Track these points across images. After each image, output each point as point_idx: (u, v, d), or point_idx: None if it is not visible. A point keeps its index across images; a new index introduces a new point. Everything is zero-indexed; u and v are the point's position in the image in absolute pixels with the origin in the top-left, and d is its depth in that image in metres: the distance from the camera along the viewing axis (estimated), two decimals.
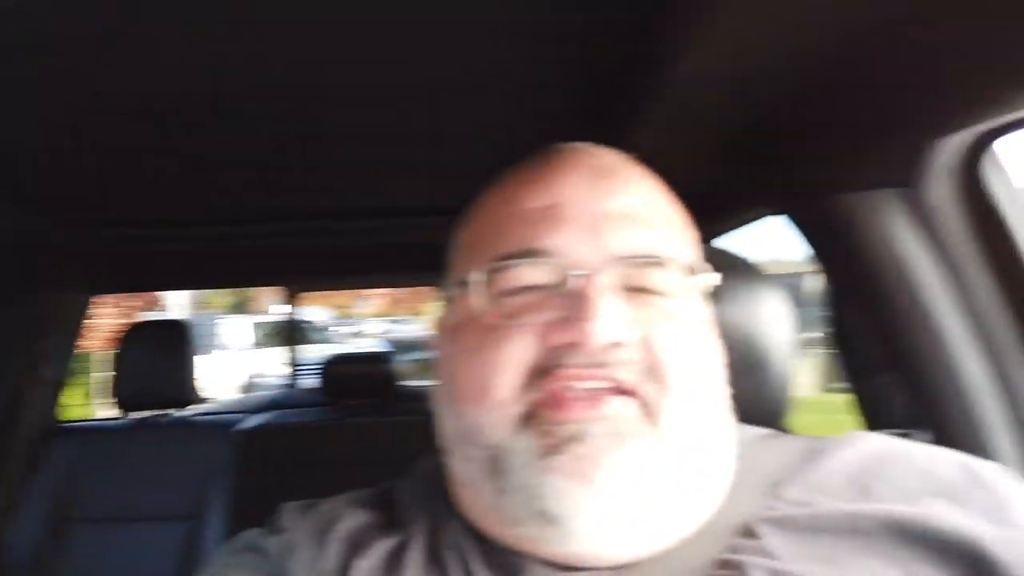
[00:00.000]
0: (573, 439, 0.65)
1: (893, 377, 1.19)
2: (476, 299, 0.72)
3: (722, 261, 1.02)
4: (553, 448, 0.65)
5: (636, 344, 0.68)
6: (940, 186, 1.11)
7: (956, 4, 0.79)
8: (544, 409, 0.67)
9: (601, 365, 0.66)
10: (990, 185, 1.08)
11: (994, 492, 0.70)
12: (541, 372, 0.68)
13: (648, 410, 0.67)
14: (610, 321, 0.66)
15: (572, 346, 0.67)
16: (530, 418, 0.67)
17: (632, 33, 1.03)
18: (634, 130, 1.27)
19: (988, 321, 1.09)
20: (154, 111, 1.32)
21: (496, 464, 0.68)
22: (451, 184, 1.60)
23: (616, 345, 0.67)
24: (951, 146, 1.06)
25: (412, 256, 2.82)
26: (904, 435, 1.12)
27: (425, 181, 2.01)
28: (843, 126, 1.12)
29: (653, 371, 0.68)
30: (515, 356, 0.68)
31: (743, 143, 1.34)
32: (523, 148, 0.84)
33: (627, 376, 0.67)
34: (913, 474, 0.73)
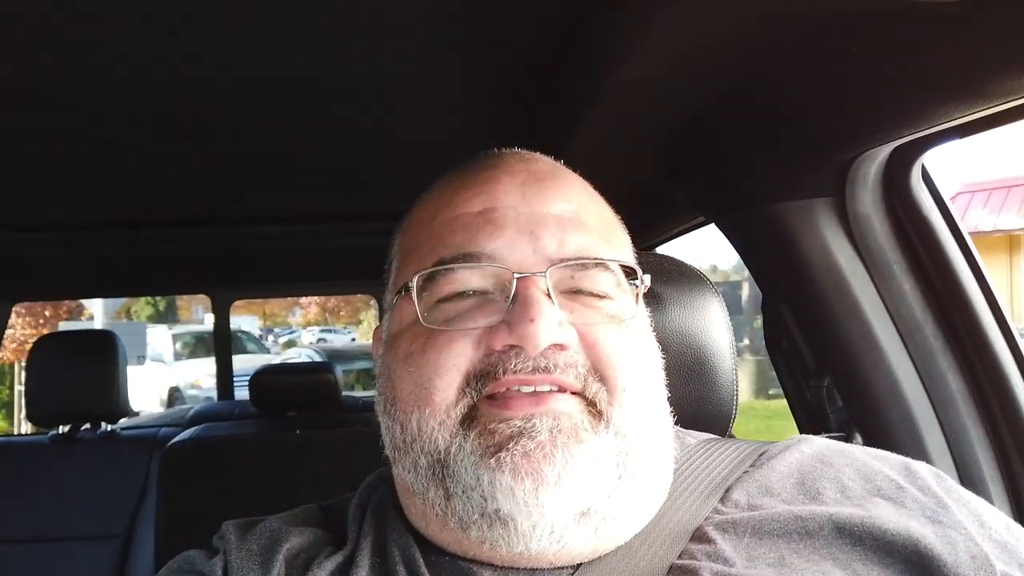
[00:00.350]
0: (521, 434, 0.64)
1: (828, 381, 1.22)
2: (415, 305, 0.71)
3: (666, 267, 1.03)
4: (499, 446, 0.64)
5: (578, 346, 0.68)
6: (865, 196, 1.15)
7: (873, 27, 0.83)
8: (488, 407, 0.66)
9: (544, 369, 0.66)
10: (913, 194, 1.13)
11: (933, 493, 0.73)
12: (482, 376, 0.67)
13: (595, 409, 0.67)
14: (550, 324, 0.66)
15: (513, 350, 0.66)
16: (473, 419, 0.67)
17: (568, 41, 1.04)
18: (572, 138, 1.28)
19: (914, 325, 1.14)
20: (72, 113, 1.27)
21: (442, 469, 0.67)
22: (388, 189, 1.59)
23: (559, 348, 0.67)
24: (875, 158, 1.10)
25: (347, 262, 2.77)
26: (843, 438, 1.16)
27: (362, 186, 1.98)
28: (772, 137, 1.15)
29: (597, 371, 0.68)
30: (455, 361, 0.68)
31: (678, 153, 1.37)
32: (460, 154, 0.84)
33: (571, 380, 0.67)
34: (856, 476, 0.75)
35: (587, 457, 0.65)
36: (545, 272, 0.68)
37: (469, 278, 0.70)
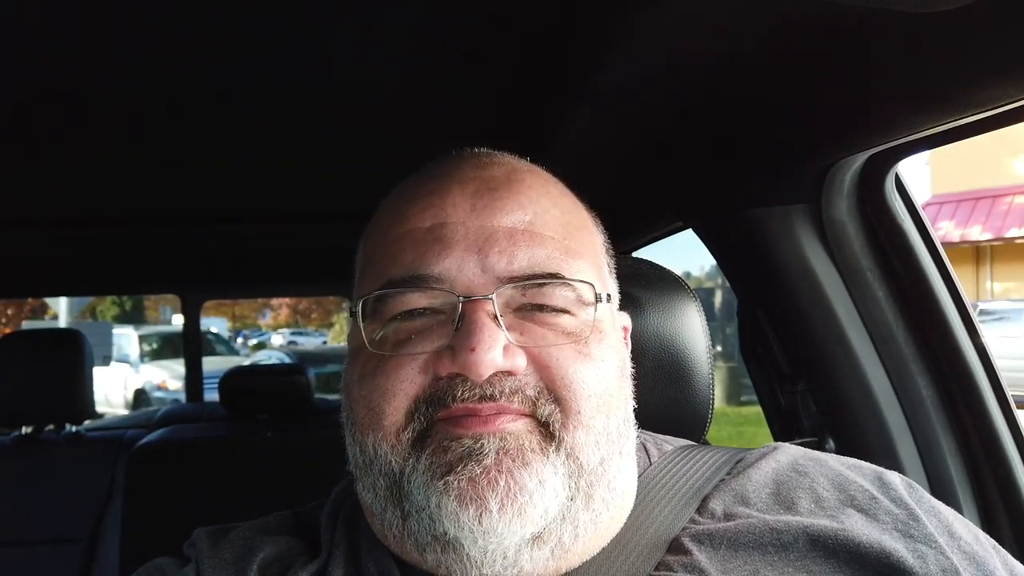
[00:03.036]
0: (470, 455, 0.63)
1: (802, 386, 1.23)
2: (365, 327, 0.70)
3: (645, 271, 1.03)
4: (449, 466, 0.63)
5: (528, 368, 0.67)
6: (840, 203, 1.16)
7: (850, 37, 0.83)
8: (442, 425, 0.65)
9: (490, 397, 0.65)
10: (887, 202, 1.14)
11: (905, 504, 0.73)
12: (433, 402, 0.66)
13: (547, 430, 0.66)
14: (493, 352, 0.64)
15: (459, 377, 0.65)
16: (427, 438, 0.66)
17: (550, 46, 1.03)
18: (552, 141, 1.28)
19: (887, 331, 1.16)
20: (40, 111, 1.24)
21: (399, 490, 0.67)
22: (363, 190, 1.56)
23: (506, 374, 0.65)
24: (850, 166, 1.12)
25: (319, 263, 2.74)
26: (816, 443, 1.16)
27: (337, 186, 1.96)
28: (750, 144, 1.16)
29: (550, 392, 0.67)
30: (403, 387, 0.67)
31: (657, 158, 1.37)
32: (436, 156, 0.82)
33: (517, 406, 0.65)
34: (831, 486, 0.75)
35: (532, 480, 0.64)
36: (491, 295, 0.66)
37: (418, 299, 0.69)
